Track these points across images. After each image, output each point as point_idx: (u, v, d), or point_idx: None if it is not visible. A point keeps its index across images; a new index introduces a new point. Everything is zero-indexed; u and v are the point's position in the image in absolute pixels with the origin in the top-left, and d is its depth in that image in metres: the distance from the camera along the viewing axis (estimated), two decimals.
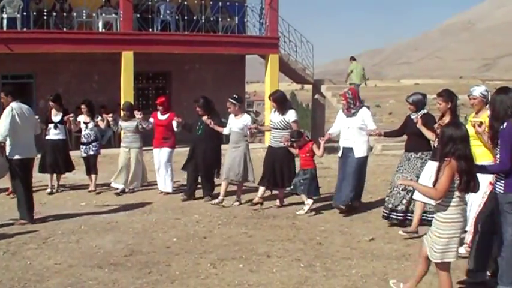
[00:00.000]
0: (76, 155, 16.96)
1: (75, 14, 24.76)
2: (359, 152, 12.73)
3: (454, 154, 7.02)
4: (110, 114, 15.99)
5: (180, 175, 15.83)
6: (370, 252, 10.00)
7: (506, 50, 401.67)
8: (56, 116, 15.44)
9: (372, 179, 15.76)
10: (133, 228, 11.72)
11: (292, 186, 13.21)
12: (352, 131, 12.70)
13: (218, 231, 11.45)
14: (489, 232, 8.10)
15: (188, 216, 12.71)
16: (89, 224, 12.04)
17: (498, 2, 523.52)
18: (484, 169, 7.81)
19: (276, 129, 13.56)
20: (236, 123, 13.95)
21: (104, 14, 25.17)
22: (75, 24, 24.86)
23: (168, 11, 26.17)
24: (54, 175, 15.75)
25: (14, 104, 12.15)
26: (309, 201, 13.06)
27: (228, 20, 27.50)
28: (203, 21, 26.47)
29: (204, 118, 14.27)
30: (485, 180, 8.18)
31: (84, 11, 24.93)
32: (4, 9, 23.29)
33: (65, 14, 24.68)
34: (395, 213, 11.77)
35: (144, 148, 15.87)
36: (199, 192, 14.74)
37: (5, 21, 23.33)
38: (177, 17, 26.45)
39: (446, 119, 10.32)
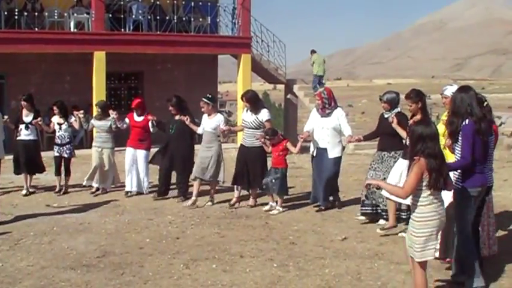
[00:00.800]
0: (48, 156, 16.85)
1: (46, 13, 24.68)
2: (333, 152, 12.76)
3: (423, 152, 7.07)
4: (81, 111, 15.81)
5: (152, 176, 15.79)
6: (343, 251, 10.02)
7: (478, 50, 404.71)
8: (27, 117, 15.34)
9: (344, 178, 15.77)
10: (106, 229, 11.66)
11: (264, 186, 13.25)
12: (326, 132, 12.70)
13: (191, 232, 11.42)
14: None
15: (161, 217, 12.67)
16: (61, 225, 11.97)
17: (469, 3, 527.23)
18: (449, 167, 7.84)
19: (249, 128, 13.53)
20: (209, 123, 13.91)
21: (75, 14, 25.09)
22: (46, 24, 24.76)
23: (140, 11, 26.14)
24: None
25: None
26: (275, 203, 13.19)
27: (201, 20, 27.51)
28: (175, 21, 26.44)
29: (178, 117, 14.24)
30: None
31: (55, 11, 24.83)
32: None
33: (36, 13, 24.54)
34: (376, 209, 11.89)
35: (116, 148, 15.79)
36: (172, 192, 14.72)
37: None
38: (149, 17, 26.43)
39: (418, 117, 10.39)
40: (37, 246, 10.51)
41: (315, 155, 12.99)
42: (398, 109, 11.74)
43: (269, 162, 13.44)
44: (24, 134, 15.30)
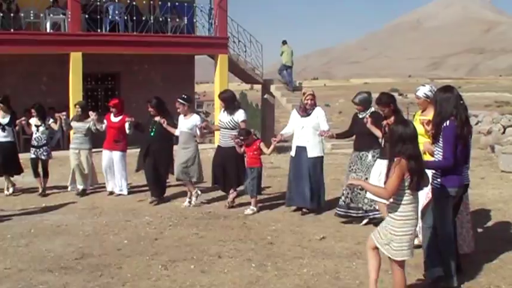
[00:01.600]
0: (25, 158, 16.77)
1: (22, 14, 24.58)
2: (313, 152, 12.72)
3: (404, 154, 7.09)
4: (63, 113, 15.75)
5: (130, 177, 15.76)
6: (321, 251, 10.04)
7: (454, 49, 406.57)
8: (3, 118, 15.28)
9: None
10: (84, 231, 11.62)
11: (244, 188, 13.33)
12: (306, 131, 12.67)
13: (169, 233, 11.42)
14: (433, 227, 8.21)
15: (139, 218, 12.66)
16: (38, 228, 11.92)
17: (446, 2, 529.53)
18: (429, 165, 7.93)
19: (225, 128, 13.59)
20: (185, 124, 13.93)
21: (51, 15, 24.99)
22: (22, 25, 24.66)
23: (116, 12, 26.06)
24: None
25: None
26: (254, 206, 13.23)
27: (177, 20, 27.45)
28: (152, 21, 26.40)
29: (157, 119, 14.21)
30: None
31: (31, 12, 24.75)
32: None
33: (12, 14, 24.43)
34: (354, 211, 11.93)
35: (94, 150, 15.73)
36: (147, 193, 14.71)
37: None
38: (125, 18, 26.34)
39: (392, 119, 10.39)
40: (14, 248, 10.46)
41: (293, 155, 12.95)
42: (373, 109, 11.84)
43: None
44: (1, 136, 15.23)
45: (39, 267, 9.34)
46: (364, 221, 11.81)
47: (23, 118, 15.30)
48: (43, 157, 15.51)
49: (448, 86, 8.47)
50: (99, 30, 25.66)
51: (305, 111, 12.80)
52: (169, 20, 27.11)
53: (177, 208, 13.61)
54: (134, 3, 26.25)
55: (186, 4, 28.10)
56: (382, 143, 10.98)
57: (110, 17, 25.98)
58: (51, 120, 15.46)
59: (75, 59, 24.58)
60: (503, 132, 24.41)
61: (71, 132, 15.76)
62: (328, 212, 12.74)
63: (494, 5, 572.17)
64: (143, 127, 14.81)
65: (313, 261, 9.49)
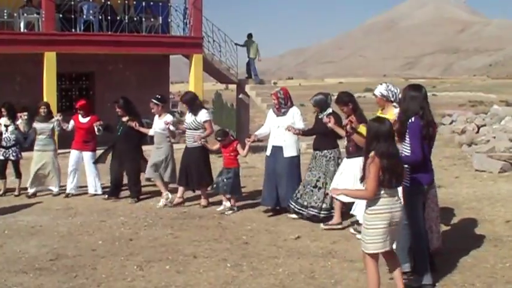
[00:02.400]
0: None
1: None
2: (289, 151, 12.71)
3: (377, 151, 7.22)
4: (25, 113, 15.49)
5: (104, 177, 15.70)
6: (297, 250, 10.08)
7: (428, 49, 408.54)
8: None
9: None
10: (58, 232, 11.59)
11: (214, 185, 13.37)
12: (282, 130, 12.64)
13: (144, 233, 11.41)
14: (404, 224, 8.26)
15: (113, 219, 12.63)
16: (12, 229, 11.87)
17: (419, 2, 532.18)
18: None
19: (189, 129, 13.65)
20: (159, 124, 14.00)
21: (25, 14, 24.82)
22: None
23: (91, 11, 25.93)
24: None
25: None
26: (228, 203, 13.28)
27: (152, 20, 27.38)
28: (127, 21, 26.30)
29: (125, 119, 14.32)
30: None
31: (5, 11, 24.58)
32: None
33: None
34: (306, 210, 12.09)
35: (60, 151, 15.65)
36: (124, 194, 14.68)
37: None
38: (100, 17, 26.22)
39: (353, 117, 10.40)
40: None
41: (269, 154, 12.96)
42: (330, 110, 12.06)
43: (220, 162, 13.48)
44: None
45: (13, 269, 9.31)
46: (293, 215, 12.23)
47: None
48: (12, 158, 15.40)
49: (416, 85, 8.58)
50: (73, 30, 25.51)
51: (280, 111, 12.84)
52: (143, 19, 27.03)
53: (151, 208, 13.59)
54: (109, 2, 26.16)
55: (160, 4, 28.01)
56: (346, 143, 11.31)
57: (84, 16, 25.85)
58: (20, 121, 15.24)
59: (49, 59, 24.44)
60: (477, 132, 24.56)
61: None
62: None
63: (468, 5, 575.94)
64: (112, 128, 14.82)
65: (288, 260, 9.52)
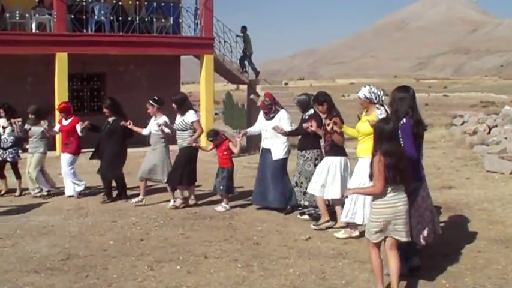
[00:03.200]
0: None
1: (8, 14, 24.52)
2: (277, 154, 13.06)
3: (381, 150, 7.62)
4: (19, 119, 15.47)
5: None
6: (307, 251, 10.07)
7: (440, 49, 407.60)
8: None
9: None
10: (70, 232, 11.62)
11: (213, 188, 13.73)
12: (269, 134, 13.00)
13: (155, 233, 11.42)
14: None
15: (124, 219, 12.65)
16: (24, 228, 11.91)
17: (431, 2, 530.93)
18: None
19: (178, 130, 13.79)
20: (154, 125, 14.09)
21: (37, 15, 24.92)
22: (8, 25, 24.58)
23: (102, 12, 26.00)
24: None
25: None
26: (226, 204, 13.53)
27: (163, 20, 27.40)
28: (138, 22, 26.35)
29: (111, 119, 14.66)
30: None
31: (17, 12, 24.66)
32: None
33: None
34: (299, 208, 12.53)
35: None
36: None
37: None
38: (111, 18, 26.28)
39: (329, 116, 11.29)
40: (0, 249, 10.45)
41: (260, 155, 13.47)
42: (312, 111, 12.30)
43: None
44: None
45: (25, 268, 9.34)
46: (304, 216, 12.43)
47: None
48: (9, 159, 15.47)
49: (404, 86, 8.98)
50: (84, 31, 25.60)
51: (268, 115, 13.21)
52: (155, 20, 27.06)
53: (162, 209, 13.61)
54: (120, 3, 26.21)
55: (172, 4, 28.04)
56: (323, 142, 11.82)
57: (96, 17, 25.93)
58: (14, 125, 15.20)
59: (61, 60, 24.53)
60: (489, 133, 24.47)
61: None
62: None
63: (480, 5, 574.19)
64: (98, 128, 15.04)
65: (299, 261, 9.51)
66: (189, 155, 13.68)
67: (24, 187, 15.62)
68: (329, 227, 11.50)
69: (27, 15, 24.94)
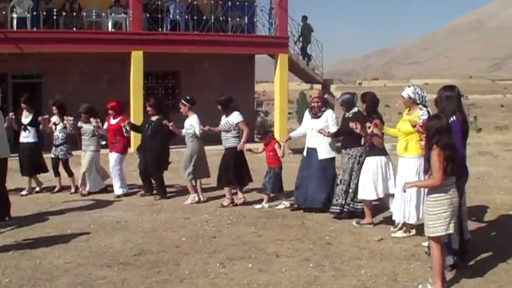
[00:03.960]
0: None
1: (84, 13, 24.89)
2: (322, 153, 13.02)
3: (440, 144, 7.92)
4: (70, 117, 15.61)
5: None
6: (379, 252, 9.99)
7: None
8: (26, 118, 15.44)
9: None
10: (143, 228, 11.75)
11: (262, 186, 13.82)
12: (315, 133, 12.95)
13: (227, 231, 11.46)
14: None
15: (197, 216, 12.73)
16: (98, 224, 12.08)
17: (506, 2, 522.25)
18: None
19: (223, 131, 13.94)
20: (185, 123, 14.37)
21: (113, 14, 25.24)
22: (84, 24, 24.97)
23: (177, 11, 26.22)
24: (27, 177, 15.75)
25: None
26: (279, 202, 13.69)
27: (238, 19, 27.47)
28: (212, 21, 26.47)
29: (154, 118, 14.87)
30: None
31: (93, 11, 25.02)
32: (14, 9, 23.42)
33: (74, 13, 24.77)
34: (333, 207, 12.49)
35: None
36: (210, 194, 14.77)
37: (15, 21, 23.47)
38: (186, 17, 26.47)
39: (368, 117, 11.60)
40: (74, 243, 10.61)
41: (305, 155, 13.33)
42: (356, 109, 12.45)
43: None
44: (23, 136, 15.41)
45: (98, 263, 9.46)
46: (354, 223, 12.09)
47: (46, 116, 15.38)
48: (60, 156, 15.66)
49: (450, 86, 9.33)
50: (160, 30, 25.84)
51: (315, 114, 13.15)
52: (229, 19, 27.16)
53: (235, 207, 13.65)
54: (195, 2, 26.39)
55: (246, 3, 28.11)
56: (363, 141, 11.85)
57: (171, 16, 26.15)
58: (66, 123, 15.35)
59: (136, 58, 24.81)
60: None
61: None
62: (386, 214, 12.56)
63: None
64: (140, 128, 15.29)
65: (370, 262, 9.44)
66: (235, 155, 13.83)
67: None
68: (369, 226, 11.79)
69: (103, 14, 25.27)
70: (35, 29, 23.70)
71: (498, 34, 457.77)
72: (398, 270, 9.01)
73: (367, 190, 11.64)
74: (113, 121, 15.31)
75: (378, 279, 8.66)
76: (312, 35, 30.67)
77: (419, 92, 10.57)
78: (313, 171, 13.00)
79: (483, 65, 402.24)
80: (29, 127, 15.33)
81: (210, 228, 11.66)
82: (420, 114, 10.30)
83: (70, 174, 15.83)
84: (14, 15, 23.45)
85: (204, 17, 26.50)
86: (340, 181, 12.37)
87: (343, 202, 12.31)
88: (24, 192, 15.44)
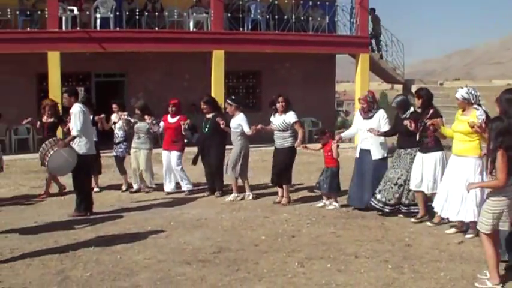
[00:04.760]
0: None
1: (166, 13, 25.20)
2: (376, 154, 13.07)
3: (503, 145, 7.99)
4: (125, 113, 15.77)
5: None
6: (459, 255, 9.86)
7: None
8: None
9: None
10: (222, 226, 11.84)
11: (317, 185, 13.83)
12: (369, 133, 12.94)
13: (306, 231, 11.46)
14: None
15: (277, 215, 12.77)
16: (178, 221, 12.22)
17: None
18: None
19: (277, 130, 13.99)
20: (232, 123, 14.55)
21: (195, 14, 25.50)
22: (166, 24, 25.27)
23: (258, 11, 26.32)
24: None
25: (78, 104, 12.66)
26: (331, 202, 13.72)
27: (319, 19, 27.41)
28: (293, 20, 26.49)
29: (209, 115, 14.96)
30: None
31: (175, 11, 25.33)
32: (98, 9, 23.84)
33: (156, 13, 25.08)
34: (387, 207, 12.51)
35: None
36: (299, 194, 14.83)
37: (98, 21, 23.93)
38: (267, 16, 26.56)
39: (425, 111, 11.87)
40: (154, 240, 10.76)
41: (358, 156, 13.37)
42: (412, 109, 12.52)
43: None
44: None
45: (177, 259, 9.57)
46: (413, 220, 12.26)
47: (102, 115, 15.52)
48: (118, 154, 15.81)
49: (510, 89, 9.33)
50: (241, 29, 25.98)
51: (367, 114, 13.18)
52: (310, 19, 27.13)
53: (314, 207, 13.65)
54: (276, 2, 26.46)
55: (327, 3, 28.04)
56: (418, 138, 11.90)
57: (252, 15, 26.28)
58: (132, 119, 15.44)
59: (218, 57, 24.99)
60: None
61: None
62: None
63: None
64: (195, 127, 15.50)
65: (450, 265, 9.32)
66: (290, 155, 14.01)
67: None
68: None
69: (185, 14, 25.55)
70: (117, 29, 24.12)
71: None
72: (478, 274, 8.89)
73: (428, 184, 11.84)
74: (171, 119, 15.44)
75: (457, 282, 8.55)
76: (390, 33, 30.42)
77: (473, 92, 10.77)
78: (367, 172, 13.10)
79: None
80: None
81: (289, 227, 11.69)
82: (478, 114, 10.51)
83: (123, 172, 16.02)
84: (98, 16, 23.90)
85: (285, 17, 26.51)
86: (404, 181, 12.35)
87: (402, 201, 12.48)
88: (96, 189, 15.65)
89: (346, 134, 14.15)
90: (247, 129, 14.29)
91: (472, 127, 9.96)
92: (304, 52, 27.46)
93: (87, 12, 24.51)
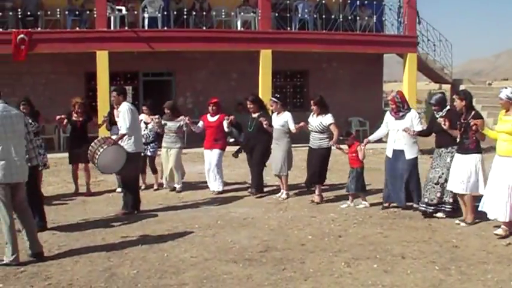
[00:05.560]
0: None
1: (214, 13, 25.34)
2: (410, 153, 13.08)
3: None
4: (156, 116, 15.75)
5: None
6: (507, 257, 9.75)
7: None
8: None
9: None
10: (269, 225, 11.87)
11: (346, 187, 14.02)
12: (402, 134, 12.95)
13: (353, 231, 11.44)
14: None
15: (324, 215, 12.76)
16: (225, 220, 12.28)
17: None
18: None
19: (314, 132, 14.09)
20: (277, 121, 14.65)
21: (242, 13, 25.58)
22: (214, 23, 25.41)
23: (306, 10, 26.33)
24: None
25: (127, 103, 12.85)
26: (360, 201, 13.84)
27: (366, 18, 27.32)
28: (341, 20, 26.43)
29: (255, 115, 14.98)
30: None
31: (223, 10, 25.48)
32: (146, 9, 24.06)
33: (204, 13, 25.23)
34: (430, 207, 12.54)
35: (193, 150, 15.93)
36: (334, 193, 14.78)
37: (146, 21, 24.18)
38: (315, 16, 26.54)
39: (466, 114, 11.71)
40: (201, 238, 10.83)
41: (390, 156, 13.33)
42: (448, 107, 12.70)
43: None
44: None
45: (224, 258, 9.63)
46: (439, 214, 12.53)
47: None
48: (149, 153, 15.82)
49: None
50: (288, 29, 25.99)
51: (398, 114, 13.18)
52: (358, 18, 27.05)
53: (360, 207, 13.61)
54: (323, 1, 26.41)
55: (375, 2, 27.95)
56: (458, 139, 11.84)
57: (299, 15, 26.29)
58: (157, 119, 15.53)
59: (265, 57, 25.02)
60: None
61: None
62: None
63: None
64: (241, 126, 15.59)
65: (498, 267, 9.23)
66: (327, 156, 14.18)
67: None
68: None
69: (232, 14, 25.66)
70: (165, 28, 24.30)
71: None
72: None
73: (462, 185, 11.79)
74: (211, 118, 15.52)
75: (504, 284, 8.48)
76: (438, 32, 30.23)
77: None
78: (401, 171, 13.08)
79: None
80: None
81: (336, 227, 11.68)
82: None
83: (155, 171, 16.14)
84: (146, 15, 24.15)
85: (332, 16, 26.47)
86: (445, 180, 12.28)
87: (444, 200, 12.47)
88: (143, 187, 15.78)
89: (374, 136, 14.10)
90: (292, 127, 14.39)
91: None
92: (352, 52, 27.37)
93: (135, 12, 24.77)
